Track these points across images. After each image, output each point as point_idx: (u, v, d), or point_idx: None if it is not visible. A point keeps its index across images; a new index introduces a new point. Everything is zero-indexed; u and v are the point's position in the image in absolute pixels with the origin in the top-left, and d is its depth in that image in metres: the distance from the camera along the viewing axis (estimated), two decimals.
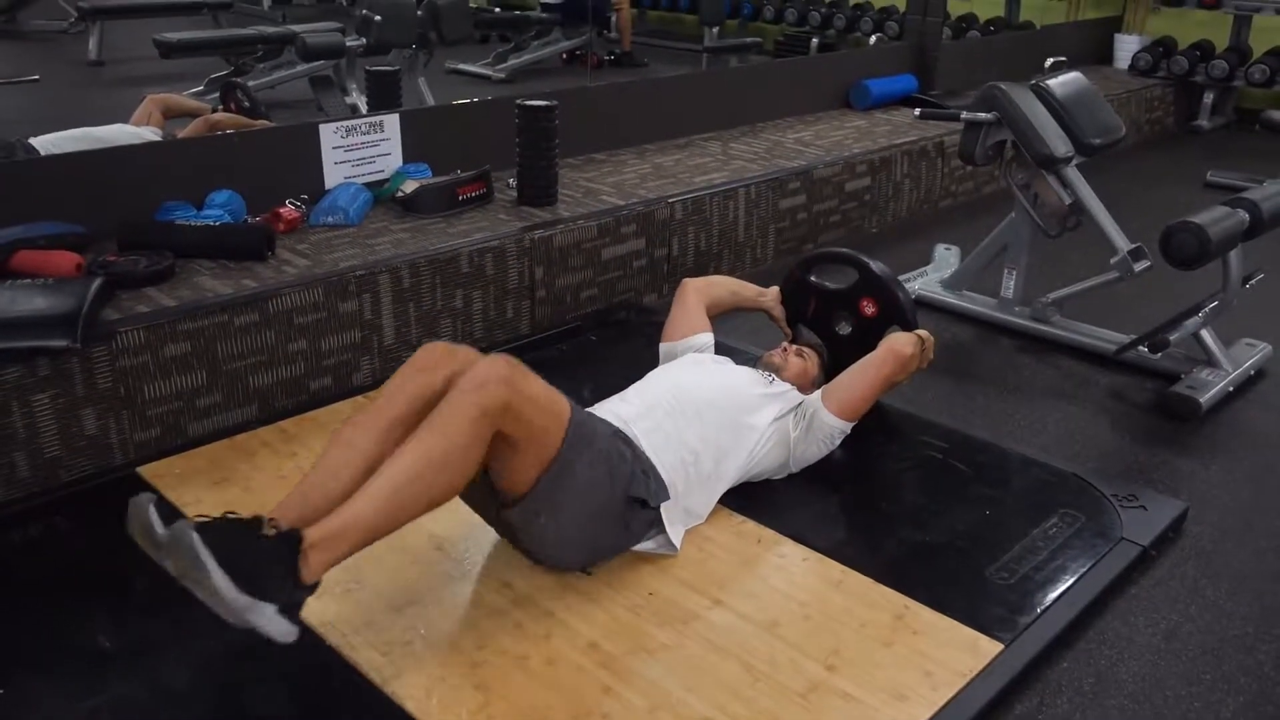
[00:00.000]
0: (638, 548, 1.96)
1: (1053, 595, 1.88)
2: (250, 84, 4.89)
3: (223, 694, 1.64)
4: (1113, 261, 2.82)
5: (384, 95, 3.65)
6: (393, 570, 1.90)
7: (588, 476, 1.78)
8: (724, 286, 2.60)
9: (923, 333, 2.39)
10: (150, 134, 3.48)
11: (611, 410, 2.03)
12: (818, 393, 2.23)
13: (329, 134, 3.03)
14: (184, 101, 4.15)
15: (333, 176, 3.06)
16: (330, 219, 2.86)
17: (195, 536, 1.39)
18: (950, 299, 3.27)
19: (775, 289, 2.64)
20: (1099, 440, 2.54)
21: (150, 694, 1.61)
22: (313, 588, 1.50)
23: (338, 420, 2.38)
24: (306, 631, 1.73)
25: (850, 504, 2.21)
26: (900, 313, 2.43)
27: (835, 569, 1.94)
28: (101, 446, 2.19)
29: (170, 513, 1.48)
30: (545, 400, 1.71)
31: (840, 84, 4.76)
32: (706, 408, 2.06)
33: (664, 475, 1.93)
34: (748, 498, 2.13)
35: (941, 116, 3.09)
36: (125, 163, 2.76)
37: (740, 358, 2.42)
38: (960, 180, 4.46)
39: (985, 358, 3.01)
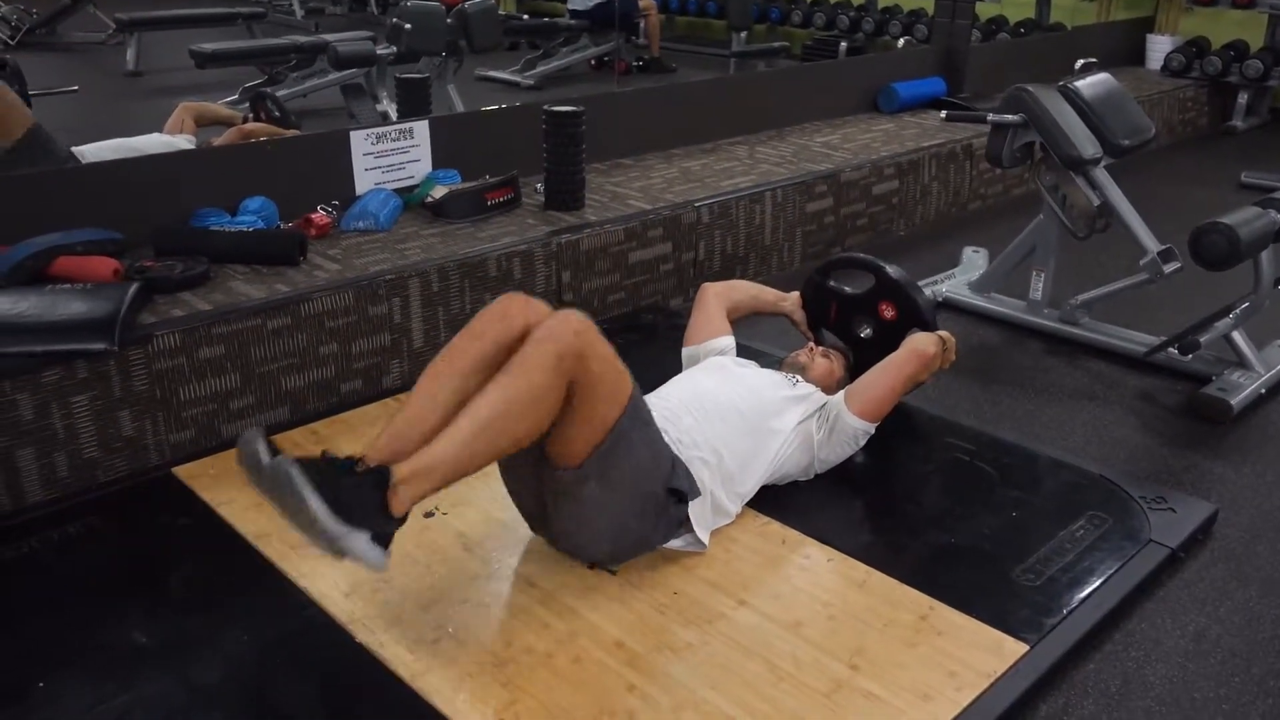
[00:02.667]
0: (667, 545, 1.97)
1: (1079, 597, 1.87)
2: (283, 93, 4.98)
3: (252, 691, 1.67)
4: (1142, 263, 2.80)
5: (414, 102, 3.70)
6: (421, 569, 1.93)
7: (640, 454, 1.82)
8: (744, 291, 2.61)
9: (944, 333, 2.39)
10: (184, 142, 3.55)
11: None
12: (841, 394, 2.23)
13: (360, 141, 3.08)
14: (216, 110, 4.22)
15: (363, 183, 3.10)
16: (361, 224, 2.91)
17: (295, 469, 1.50)
18: (978, 301, 3.26)
19: (796, 294, 2.65)
20: (1128, 442, 2.52)
21: (182, 690, 1.65)
22: (401, 520, 1.60)
23: (367, 422, 2.44)
24: (335, 629, 1.78)
25: (875, 506, 2.22)
26: (918, 315, 2.43)
27: (859, 569, 1.95)
28: (138, 447, 2.24)
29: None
30: (613, 363, 1.77)
31: (868, 88, 4.75)
32: (729, 411, 2.07)
33: (691, 472, 1.95)
34: (772, 499, 2.14)
35: (968, 119, 3.09)
36: (161, 170, 2.82)
37: (765, 361, 2.44)
38: (989, 183, 4.44)
39: (1013, 360, 2.99)
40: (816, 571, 1.95)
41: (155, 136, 3.62)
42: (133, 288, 2.24)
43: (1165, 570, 2.00)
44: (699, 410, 2.06)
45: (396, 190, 3.13)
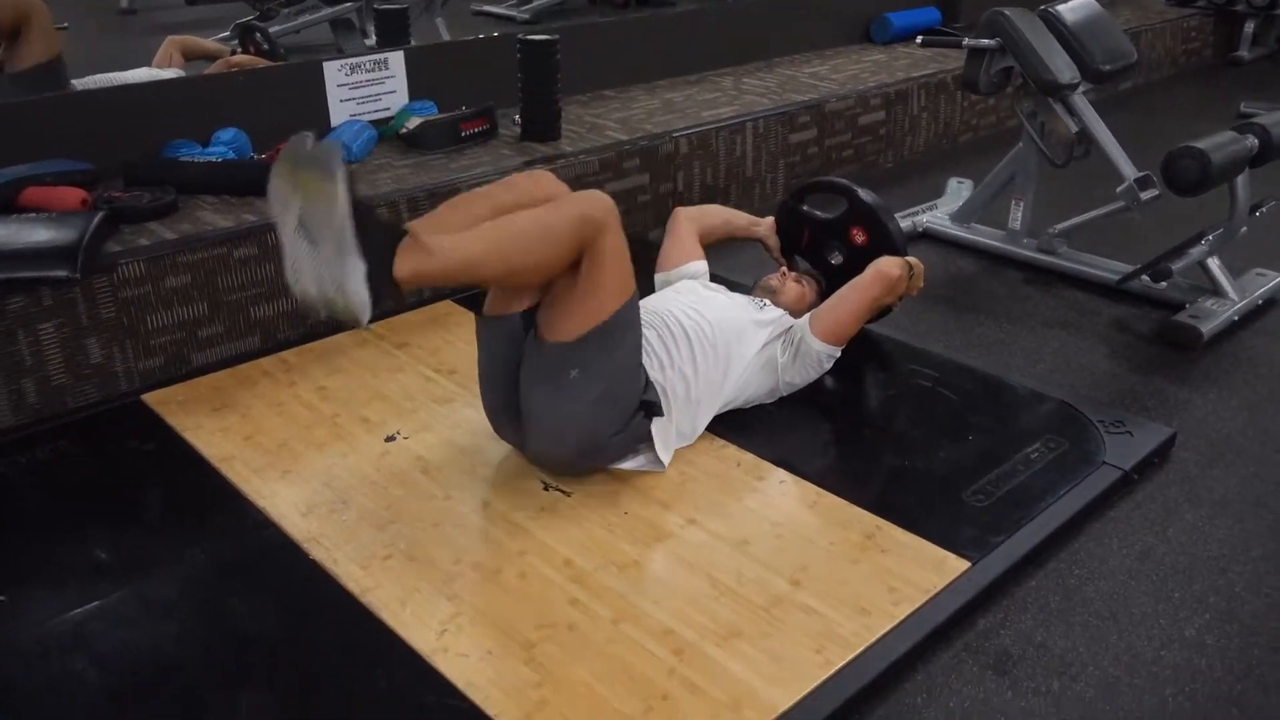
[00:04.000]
0: (625, 465, 1.99)
1: (1025, 516, 1.89)
2: (275, 28, 4.94)
3: (209, 605, 1.71)
4: (1119, 190, 2.77)
5: (392, 33, 3.67)
6: (379, 491, 1.96)
7: (625, 354, 1.87)
8: (716, 215, 2.60)
9: (912, 259, 2.38)
10: (171, 76, 3.54)
11: None
12: (806, 318, 2.23)
13: (333, 72, 3.06)
14: (203, 43, 4.20)
15: (338, 114, 3.09)
16: None
17: (341, 162, 1.53)
18: (958, 232, 3.24)
19: (770, 219, 2.64)
20: (1095, 369, 2.52)
21: (139, 603, 1.69)
22: (398, 288, 1.61)
23: (339, 351, 2.47)
24: (291, 547, 1.82)
25: (834, 431, 2.23)
26: (888, 240, 2.42)
27: (811, 491, 1.97)
28: (107, 374, 2.27)
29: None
30: (623, 256, 1.84)
31: (861, 18, 4.67)
32: (694, 332, 2.08)
33: (659, 391, 1.96)
34: (733, 423, 2.15)
35: (944, 44, 3.04)
36: (134, 102, 2.82)
37: (740, 290, 2.44)
38: (982, 114, 4.38)
39: (989, 289, 2.98)
40: (768, 493, 1.97)
41: (143, 71, 3.61)
42: (97, 216, 2.26)
43: (1117, 492, 2.02)
44: (666, 333, 2.06)
45: (372, 122, 3.12)
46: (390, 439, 2.13)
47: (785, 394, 2.23)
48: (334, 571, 1.75)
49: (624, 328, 1.85)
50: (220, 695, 1.51)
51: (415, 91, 3.23)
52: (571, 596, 1.70)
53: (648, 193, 3.21)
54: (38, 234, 2.17)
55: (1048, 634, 1.68)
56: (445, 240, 1.67)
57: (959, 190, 3.42)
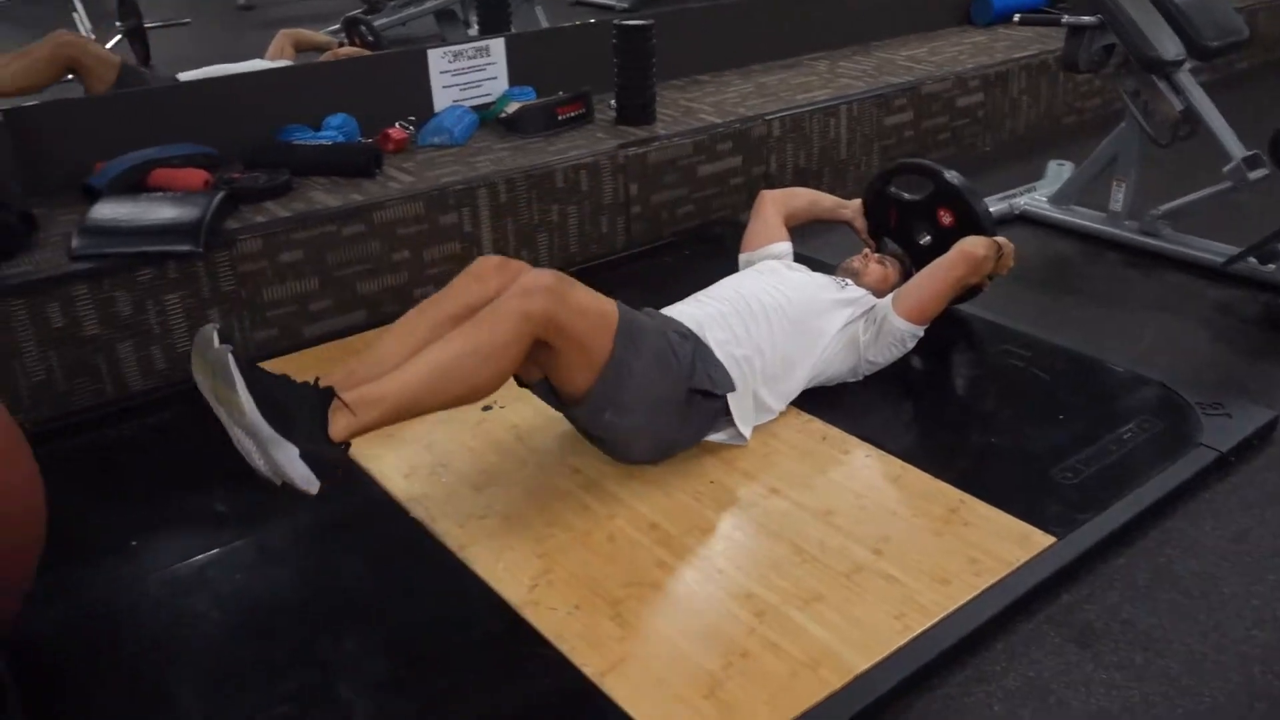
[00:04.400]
0: (710, 438, 2.04)
1: (1115, 495, 1.87)
2: (381, 21, 5.12)
3: (318, 556, 1.83)
4: (1225, 170, 2.69)
5: (493, 21, 3.77)
6: (476, 456, 2.05)
7: (644, 374, 1.85)
8: (803, 197, 2.62)
9: (1001, 239, 2.37)
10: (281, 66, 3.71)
11: (681, 310, 2.12)
12: (889, 297, 2.24)
13: (437, 59, 3.17)
14: (313, 36, 4.39)
15: (441, 100, 3.20)
16: (436, 139, 3.01)
17: (231, 357, 1.52)
18: (1057, 214, 3.19)
19: (857, 201, 2.65)
20: (1197, 352, 2.47)
21: (256, 553, 1.82)
22: (340, 448, 1.59)
23: None
24: (393, 505, 1.91)
25: (920, 407, 2.24)
26: (975, 221, 2.41)
27: (896, 465, 1.99)
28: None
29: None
30: (591, 309, 1.79)
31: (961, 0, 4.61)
32: (774, 310, 2.12)
33: (730, 370, 2.00)
34: (818, 399, 2.18)
35: (1043, 22, 2.99)
36: (253, 89, 2.98)
37: (824, 270, 2.46)
38: (1086, 96, 4.28)
39: (1088, 272, 2.93)
40: (853, 466, 2.00)
41: (256, 62, 3.80)
42: (218, 196, 2.40)
43: (1213, 474, 1.98)
44: (745, 310, 2.10)
45: (473, 108, 3.22)
46: (487, 409, 2.21)
47: (868, 373, 2.24)
48: (433, 529, 1.84)
49: (626, 356, 1.83)
50: (327, 637, 1.61)
51: (515, 78, 3.32)
52: (658, 558, 1.76)
53: (740, 175, 3.24)
54: (164, 212, 2.32)
55: (1134, 610, 1.67)
56: (370, 392, 1.62)
57: (1059, 172, 3.36)
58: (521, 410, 2.20)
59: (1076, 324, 2.62)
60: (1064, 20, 2.79)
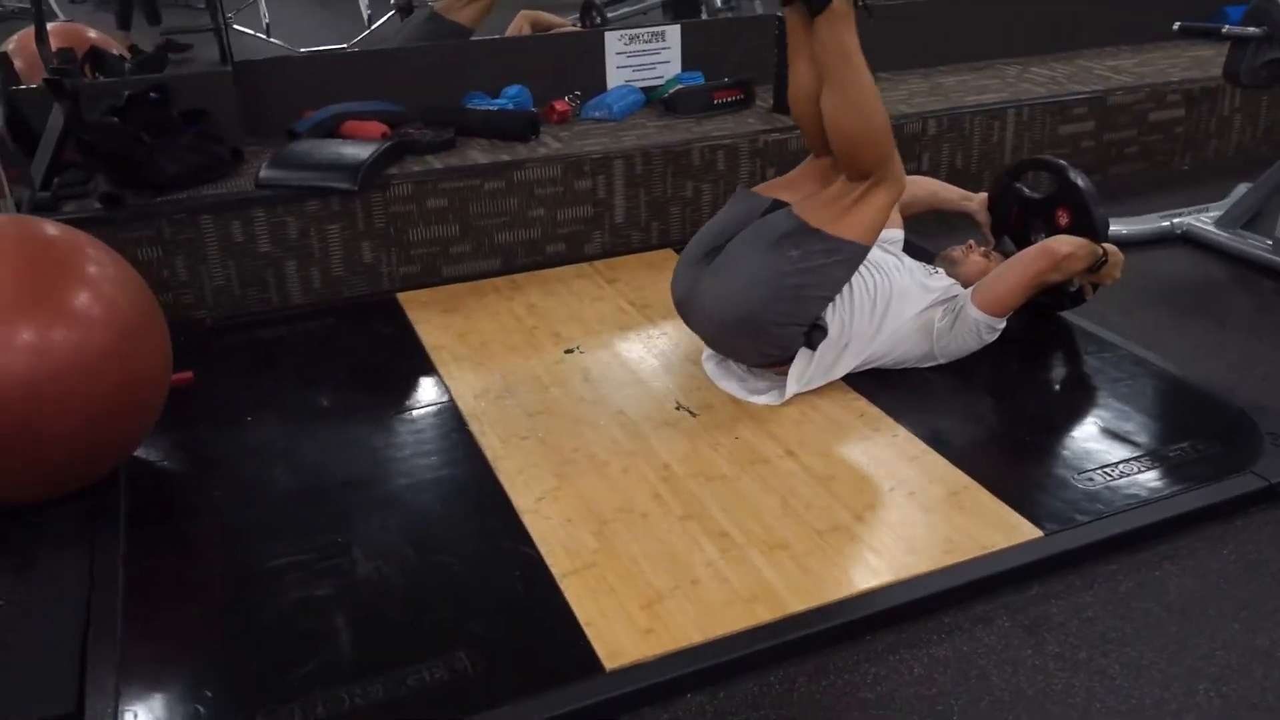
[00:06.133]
0: (754, 399, 2.18)
1: (1129, 503, 1.84)
2: (622, 11, 5.46)
3: (380, 448, 2.11)
4: None
5: (683, 9, 3.99)
6: (540, 388, 2.30)
7: (829, 273, 2.09)
8: (923, 186, 2.66)
9: (1108, 246, 2.32)
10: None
11: None
12: (973, 287, 2.27)
13: (613, 41, 3.43)
14: (550, 18, 4.76)
15: (614, 79, 3.46)
16: (597, 113, 3.28)
17: None
18: (1220, 237, 3.00)
19: (983, 195, 2.66)
20: None
21: (332, 437, 2.15)
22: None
23: (564, 281, 2.84)
24: (457, 416, 2.19)
25: (972, 400, 2.24)
26: (1090, 224, 2.37)
27: (918, 447, 2.04)
28: (374, 273, 2.80)
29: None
30: (881, 219, 2.13)
31: (1196, 10, 4.32)
32: (859, 284, 2.18)
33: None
34: (877, 379, 2.25)
35: (1202, 31, 2.81)
36: (447, 58, 3.36)
37: (924, 256, 2.50)
38: None
39: (1231, 298, 2.77)
40: (874, 442, 2.07)
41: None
42: (383, 146, 2.78)
43: (1255, 502, 1.89)
44: None
45: (644, 89, 3.46)
46: (569, 351, 2.45)
47: (943, 361, 2.27)
48: (480, 441, 2.10)
49: (848, 260, 2.09)
50: (360, 510, 1.90)
51: (689, 63, 3.52)
52: (656, 492, 1.93)
53: None
54: (335, 155, 2.73)
55: (1100, 612, 1.66)
56: None
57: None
58: (600, 356, 2.43)
59: (1188, 344, 2.50)
60: (1225, 30, 2.64)
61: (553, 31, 4.08)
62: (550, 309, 2.68)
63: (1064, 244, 2.24)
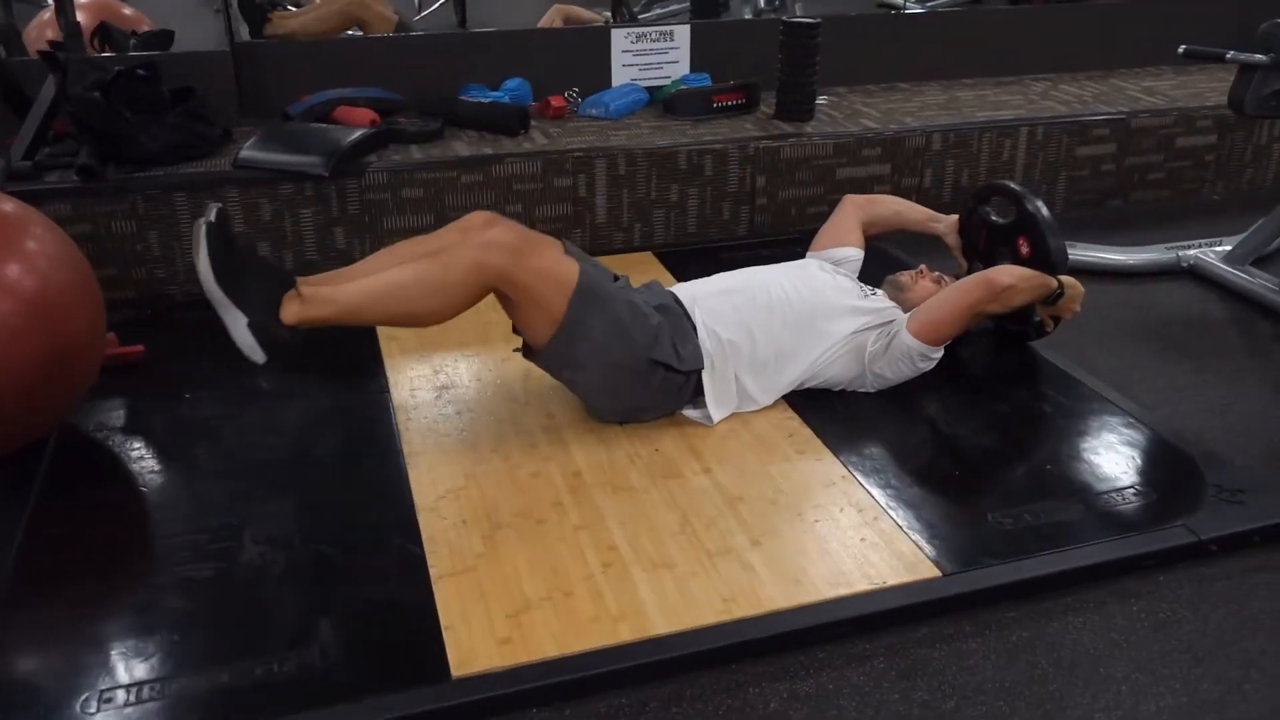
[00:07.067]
0: (687, 413, 2.13)
1: (1041, 549, 1.75)
2: (655, 13, 5.42)
3: (302, 429, 2.14)
4: None
5: (705, 9, 3.94)
6: (478, 385, 2.29)
7: (600, 333, 1.97)
8: (888, 206, 2.58)
9: (1066, 279, 2.22)
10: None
11: (688, 287, 2.21)
12: (910, 313, 2.19)
13: (620, 39, 3.40)
14: (582, 13, 4.73)
15: (620, 76, 3.43)
16: (593, 111, 3.25)
17: (204, 229, 1.83)
18: (1226, 273, 2.85)
19: (953, 217, 2.56)
20: None
21: (258, 418, 2.16)
22: (287, 332, 1.87)
23: None
24: (385, 407, 2.19)
25: (911, 430, 2.16)
26: (1046, 255, 2.27)
27: (838, 473, 1.97)
28: (347, 259, 2.80)
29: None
30: (549, 271, 1.93)
31: (1250, 28, 4.10)
32: (781, 304, 2.15)
33: (708, 349, 2.08)
34: (817, 399, 2.19)
35: (1206, 55, 2.66)
36: (448, 48, 3.36)
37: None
38: None
39: (1225, 338, 2.62)
40: (797, 466, 2.00)
41: None
42: (360, 132, 2.79)
43: (1181, 558, 1.78)
44: (750, 296, 2.16)
45: (649, 88, 3.42)
46: (518, 350, 2.43)
47: (878, 386, 2.20)
48: (402, 434, 2.10)
49: (583, 317, 1.94)
50: (262, 490, 1.91)
51: (696, 64, 3.47)
52: (558, 500, 1.90)
53: (887, 184, 3.19)
54: (313, 140, 2.75)
55: (983, 661, 1.59)
56: (324, 291, 1.90)
57: None
58: None
59: (1164, 385, 2.37)
60: (1229, 56, 2.50)
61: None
62: None
63: (1006, 275, 2.14)
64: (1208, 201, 3.55)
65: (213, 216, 1.87)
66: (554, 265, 1.96)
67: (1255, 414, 2.26)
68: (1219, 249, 2.95)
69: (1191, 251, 2.95)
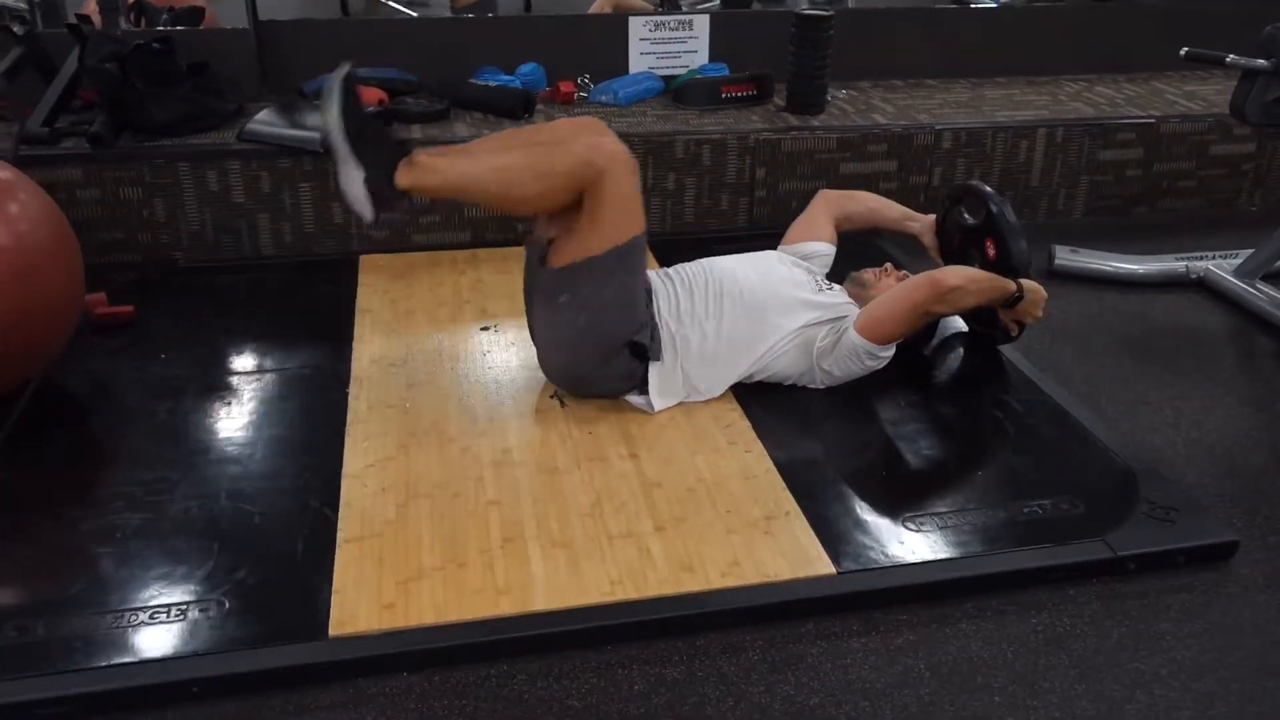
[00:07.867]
0: (630, 399, 2.15)
1: (940, 556, 1.72)
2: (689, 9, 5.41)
3: (264, 397, 2.21)
4: None
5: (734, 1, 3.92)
6: (435, 362, 2.33)
7: (613, 293, 2.01)
8: (863, 202, 2.54)
9: (1027, 282, 2.16)
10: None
11: (653, 273, 2.22)
12: (860, 310, 2.16)
13: (637, 26, 3.41)
14: (633, 2, 4.79)
15: (637, 65, 3.44)
16: (603, 98, 3.27)
17: (339, 83, 1.87)
18: (1237, 287, 2.72)
19: (930, 217, 2.51)
20: (1253, 464, 2.07)
21: (226, 385, 2.26)
22: (399, 194, 1.91)
23: (519, 258, 2.84)
24: (344, 370, 2.25)
25: (851, 428, 2.13)
26: (1008, 258, 2.21)
27: (763, 466, 1.97)
28: (344, 235, 2.90)
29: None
30: (628, 204, 1.98)
31: None
32: (731, 296, 2.15)
33: (662, 340, 2.09)
34: (765, 392, 2.18)
35: (1206, 59, 2.53)
36: (467, 31, 3.42)
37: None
38: None
39: (1217, 352, 2.50)
40: (724, 456, 2.00)
41: None
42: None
43: (1095, 573, 1.73)
44: (702, 290, 2.16)
45: (665, 77, 3.42)
46: (485, 328, 2.48)
47: (826, 383, 2.18)
48: (351, 404, 2.17)
49: (615, 267, 1.98)
50: (208, 451, 2.00)
51: (715, 54, 3.46)
52: (480, 475, 1.94)
53: (894, 180, 3.14)
54: (312, 117, 2.84)
55: (860, 661, 1.57)
56: (442, 161, 1.93)
57: None
58: (510, 336, 2.44)
59: (1135, 398, 2.28)
60: (1228, 60, 2.38)
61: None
62: (494, 285, 2.71)
63: (953, 276, 2.10)
64: (1244, 212, 3.40)
65: (346, 72, 1.91)
66: (634, 202, 2.00)
67: (1224, 432, 2.17)
68: (1232, 261, 2.82)
69: (1202, 263, 2.83)
